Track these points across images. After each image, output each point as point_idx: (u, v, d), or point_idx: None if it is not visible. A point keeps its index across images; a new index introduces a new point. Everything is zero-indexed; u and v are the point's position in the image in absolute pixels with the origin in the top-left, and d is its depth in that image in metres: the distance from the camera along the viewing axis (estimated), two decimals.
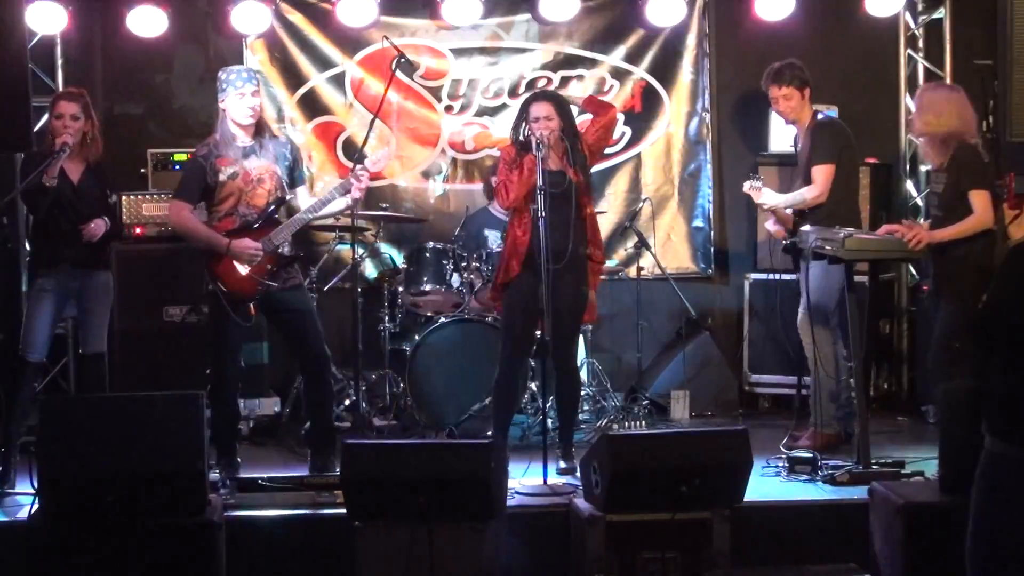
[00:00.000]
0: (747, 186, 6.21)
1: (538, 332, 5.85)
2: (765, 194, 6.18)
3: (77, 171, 5.71)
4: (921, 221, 6.72)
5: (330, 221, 6.81)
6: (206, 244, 5.60)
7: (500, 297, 5.94)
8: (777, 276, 6.53)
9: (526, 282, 5.70)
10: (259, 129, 5.69)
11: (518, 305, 5.78)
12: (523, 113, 5.79)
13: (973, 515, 3.81)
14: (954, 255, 5.42)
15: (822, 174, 6.05)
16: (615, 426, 6.60)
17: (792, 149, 6.52)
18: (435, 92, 7.68)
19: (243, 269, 5.56)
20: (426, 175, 7.73)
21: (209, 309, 5.73)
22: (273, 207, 5.64)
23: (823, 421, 6.09)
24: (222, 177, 5.59)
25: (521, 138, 5.73)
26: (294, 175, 5.78)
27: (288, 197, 5.73)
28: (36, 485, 4.58)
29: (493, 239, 6.93)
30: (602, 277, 7.41)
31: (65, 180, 5.63)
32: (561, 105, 5.80)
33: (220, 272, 5.57)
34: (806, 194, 6.08)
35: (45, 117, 5.87)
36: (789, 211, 6.23)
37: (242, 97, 5.57)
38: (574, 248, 5.62)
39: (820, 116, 6.24)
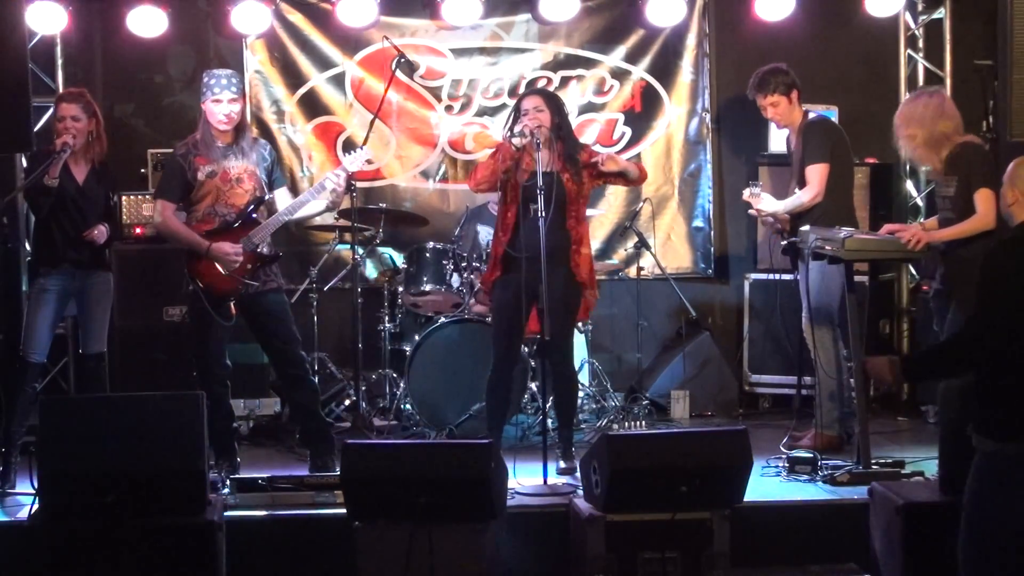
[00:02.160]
0: (747, 194, 6.20)
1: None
2: (764, 200, 6.17)
3: (82, 171, 5.71)
4: (922, 221, 6.72)
5: (331, 221, 6.83)
6: (187, 245, 5.62)
7: (486, 297, 6.00)
8: (777, 276, 6.53)
9: (509, 282, 5.70)
10: (239, 133, 5.69)
11: (503, 305, 5.79)
12: (516, 110, 5.81)
13: (965, 511, 3.83)
14: (964, 256, 5.38)
15: (816, 174, 6.04)
16: (615, 426, 6.60)
17: (786, 150, 6.52)
18: (435, 92, 7.68)
19: (224, 269, 5.57)
20: (425, 175, 7.73)
21: (190, 310, 5.74)
22: (252, 207, 5.66)
23: (825, 422, 6.09)
24: (200, 176, 5.61)
25: (509, 132, 5.73)
26: (272, 177, 5.80)
27: (267, 197, 5.75)
28: (36, 485, 4.58)
29: None
30: (602, 277, 7.46)
31: (70, 180, 5.64)
32: (553, 100, 5.81)
33: (201, 272, 5.59)
34: (803, 197, 6.07)
35: (45, 117, 5.87)
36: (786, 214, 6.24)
37: (218, 103, 5.59)
38: (558, 247, 5.61)
39: (811, 116, 6.23)
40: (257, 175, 5.70)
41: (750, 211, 6.42)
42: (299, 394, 5.83)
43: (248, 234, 5.61)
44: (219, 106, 5.59)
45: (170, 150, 7.06)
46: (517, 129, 5.68)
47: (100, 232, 5.68)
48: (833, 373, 6.05)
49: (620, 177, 5.90)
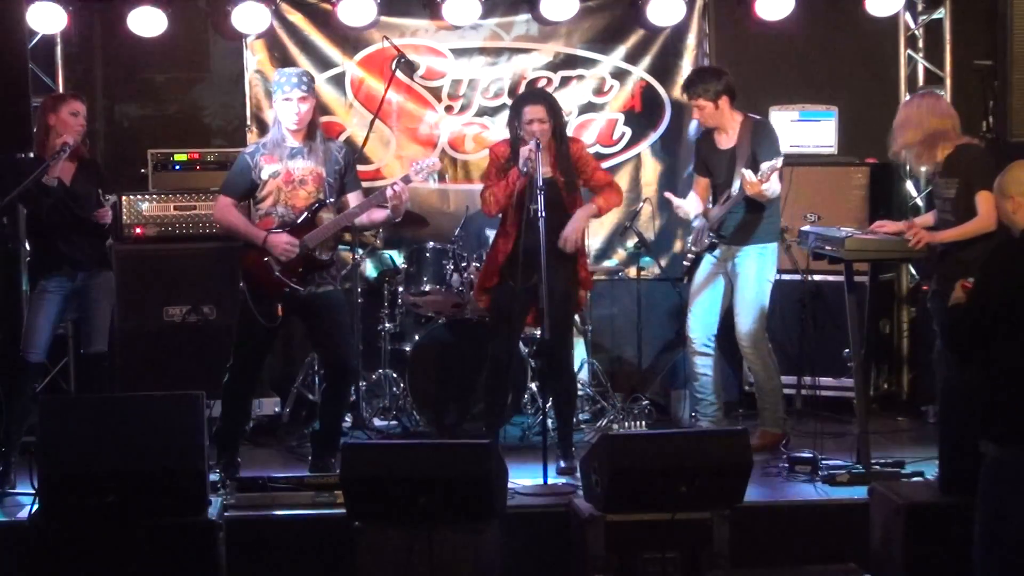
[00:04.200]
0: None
1: (537, 332, 5.87)
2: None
3: (68, 172, 5.71)
4: (912, 219, 6.71)
5: None
6: (244, 237, 5.63)
7: (481, 297, 6.05)
8: (777, 276, 6.52)
9: (508, 289, 5.75)
10: (311, 132, 5.66)
11: (501, 312, 5.85)
12: (517, 113, 5.81)
13: (978, 516, 3.82)
14: (963, 258, 5.36)
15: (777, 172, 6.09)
16: (615, 426, 6.60)
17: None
18: (435, 92, 7.67)
19: (274, 268, 5.55)
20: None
21: (239, 307, 5.71)
22: (312, 210, 5.63)
23: (771, 420, 6.21)
24: (264, 175, 5.61)
25: (516, 164, 5.74)
26: (345, 180, 5.75)
27: (329, 200, 5.67)
28: (36, 485, 4.59)
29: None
30: (602, 277, 7.45)
31: (59, 181, 5.63)
32: (554, 108, 5.86)
33: (249, 268, 5.58)
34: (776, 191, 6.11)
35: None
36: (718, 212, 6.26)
37: (288, 102, 5.56)
38: (554, 247, 5.65)
39: (755, 117, 6.27)
40: (323, 177, 5.64)
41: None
42: (332, 400, 5.80)
43: (304, 237, 5.58)
44: (289, 105, 5.56)
45: (168, 150, 7.12)
46: (522, 161, 5.67)
47: (104, 212, 5.72)
48: (773, 371, 6.15)
49: (603, 192, 5.92)
